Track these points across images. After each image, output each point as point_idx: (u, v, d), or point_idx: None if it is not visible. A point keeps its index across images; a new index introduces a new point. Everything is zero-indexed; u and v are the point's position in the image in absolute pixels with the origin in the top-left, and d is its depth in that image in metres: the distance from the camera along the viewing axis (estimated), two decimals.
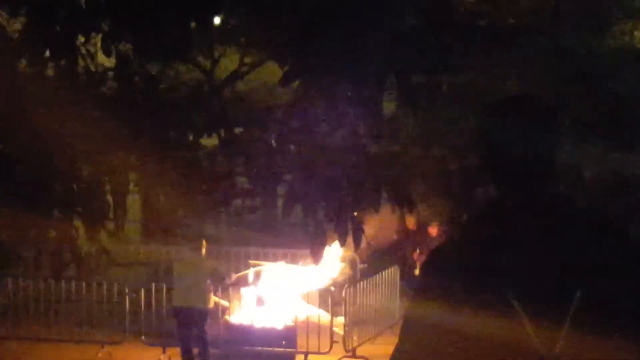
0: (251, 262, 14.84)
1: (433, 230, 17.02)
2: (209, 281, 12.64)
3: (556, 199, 2.99)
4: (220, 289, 13.46)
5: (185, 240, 13.67)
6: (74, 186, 15.35)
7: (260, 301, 13.66)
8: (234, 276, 13.97)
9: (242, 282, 14.11)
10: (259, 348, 13.24)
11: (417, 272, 15.57)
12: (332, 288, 14.17)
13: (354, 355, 13.09)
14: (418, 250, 16.86)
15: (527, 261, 2.88)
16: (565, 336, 2.85)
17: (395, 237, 17.32)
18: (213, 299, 12.98)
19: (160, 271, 15.46)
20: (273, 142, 15.75)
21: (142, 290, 13.57)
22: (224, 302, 13.65)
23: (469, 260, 2.95)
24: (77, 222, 17.59)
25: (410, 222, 16.90)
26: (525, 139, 2.98)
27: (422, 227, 17.77)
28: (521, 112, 3.04)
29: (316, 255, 13.22)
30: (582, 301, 2.85)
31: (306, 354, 12.99)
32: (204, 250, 12.87)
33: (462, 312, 2.90)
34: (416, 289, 3.15)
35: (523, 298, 2.86)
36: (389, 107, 17.96)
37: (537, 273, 2.87)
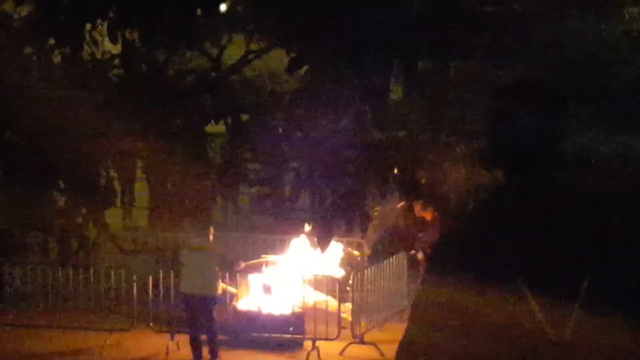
0: (263, 256, 14.85)
1: (427, 215, 16.90)
2: (217, 268, 12.65)
3: (564, 184, 2.99)
4: (228, 276, 13.48)
5: (193, 227, 13.69)
6: (81, 173, 15.40)
7: (267, 288, 13.68)
8: (243, 264, 13.98)
9: (251, 269, 14.12)
10: (267, 334, 13.26)
11: (420, 257, 15.53)
12: (341, 274, 14.19)
13: (361, 342, 13.10)
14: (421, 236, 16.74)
15: (536, 246, 2.89)
16: (575, 320, 2.86)
17: (403, 224, 17.29)
18: (221, 285, 12.99)
19: (168, 258, 15.48)
20: (280, 128, 15.77)
21: (151, 277, 13.59)
22: (232, 289, 13.67)
23: (477, 245, 2.96)
24: (84, 209, 17.68)
25: (418, 209, 16.82)
26: (533, 123, 2.98)
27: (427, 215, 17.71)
28: (529, 97, 3.03)
29: (323, 242, 13.23)
30: (591, 285, 2.85)
31: (314, 340, 13.00)
32: (211, 237, 12.88)
33: (471, 297, 2.90)
34: (425, 275, 3.15)
35: (532, 283, 2.86)
36: (395, 93, 17.97)
37: (546, 258, 2.87)
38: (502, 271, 2.88)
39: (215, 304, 12.72)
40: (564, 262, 2.87)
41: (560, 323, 2.85)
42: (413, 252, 15.99)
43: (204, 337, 12.70)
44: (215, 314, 12.68)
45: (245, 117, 16.60)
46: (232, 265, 13.47)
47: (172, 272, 13.54)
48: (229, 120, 16.59)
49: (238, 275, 13.79)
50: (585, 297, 2.84)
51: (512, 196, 3.02)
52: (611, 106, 16.56)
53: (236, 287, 13.76)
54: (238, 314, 13.60)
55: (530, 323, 2.86)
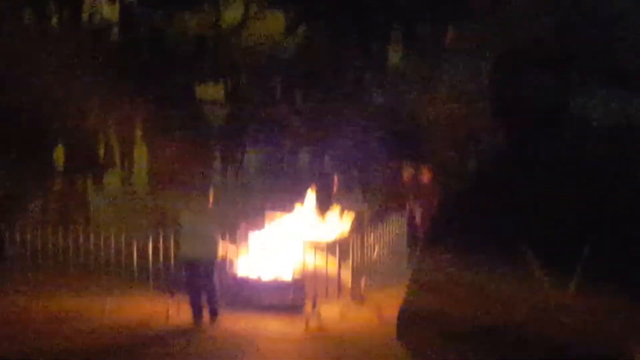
0: (267, 212, 14.84)
1: (425, 177, 16.89)
2: (216, 230, 12.66)
3: (568, 146, 2.98)
4: (228, 239, 13.49)
5: (192, 190, 13.69)
6: (80, 136, 15.37)
7: (268, 251, 13.70)
8: (243, 226, 14.01)
9: (251, 232, 14.13)
10: (268, 297, 13.30)
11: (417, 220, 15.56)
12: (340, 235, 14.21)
13: (361, 304, 13.14)
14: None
15: (538, 210, 2.88)
16: (577, 284, 2.86)
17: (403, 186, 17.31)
18: (221, 249, 13.01)
19: (168, 220, 15.49)
20: (278, 91, 15.69)
21: (150, 239, 13.61)
22: (233, 252, 13.69)
23: (480, 208, 2.95)
24: (84, 172, 17.65)
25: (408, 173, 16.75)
26: (536, 86, 2.97)
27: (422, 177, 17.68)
28: (533, 59, 3.02)
29: (323, 205, 13.25)
30: (594, 248, 2.85)
31: (314, 302, 13.04)
32: (211, 199, 12.88)
33: (474, 259, 2.90)
34: (426, 237, 3.15)
35: (535, 246, 2.86)
36: (395, 56, 17.93)
37: (548, 221, 2.87)
38: (505, 233, 2.88)
39: (215, 266, 12.75)
40: (566, 225, 2.86)
41: (562, 286, 2.85)
42: (411, 211, 16.02)
43: (204, 299, 12.75)
44: (215, 277, 12.71)
45: (243, 79, 16.56)
46: (231, 228, 13.49)
47: (172, 235, 13.57)
48: (228, 83, 16.54)
49: (238, 237, 13.81)
50: (587, 260, 2.84)
51: (514, 159, 3.01)
52: (612, 68, 16.51)
53: (236, 249, 13.77)
54: (238, 276, 13.63)
55: (532, 285, 2.86)
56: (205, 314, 12.74)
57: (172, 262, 13.42)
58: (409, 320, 3.17)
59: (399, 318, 3.23)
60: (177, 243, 13.21)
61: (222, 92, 17.11)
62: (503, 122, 3.05)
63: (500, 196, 2.92)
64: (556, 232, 2.86)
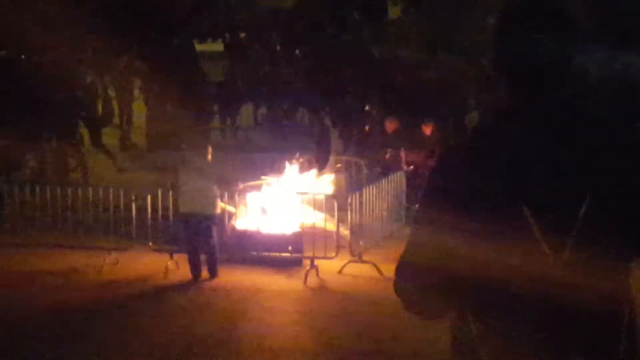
0: (262, 177, 14.82)
1: (427, 129, 16.86)
2: (215, 187, 12.65)
3: (568, 103, 2.96)
4: (227, 195, 13.49)
5: (191, 147, 13.67)
6: (79, 91, 15.32)
7: (266, 207, 13.70)
8: (242, 185, 14.00)
9: (250, 189, 14.13)
10: (266, 253, 13.33)
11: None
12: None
13: (360, 260, 13.16)
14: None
15: (537, 166, 2.86)
16: (574, 242, 2.84)
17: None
18: (220, 205, 13.01)
19: (167, 177, 15.48)
20: (277, 46, 15.60)
21: (149, 197, 13.60)
22: (231, 208, 13.69)
23: (479, 164, 2.93)
24: (83, 128, 17.66)
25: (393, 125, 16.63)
26: (540, 42, 2.94)
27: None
28: (537, 15, 2.98)
29: (322, 161, 13.22)
30: (591, 205, 2.83)
31: (312, 259, 13.06)
32: (209, 156, 12.86)
33: (471, 216, 2.89)
34: (425, 193, 3.13)
35: (532, 203, 2.84)
36: (394, 12, 17.81)
37: (547, 178, 2.85)
38: (503, 190, 2.86)
39: (214, 223, 12.76)
40: (565, 181, 2.85)
41: (560, 244, 2.84)
42: (408, 168, 16.01)
43: (203, 256, 12.77)
44: (214, 233, 12.73)
45: (242, 35, 16.47)
46: (229, 185, 13.49)
47: (170, 191, 13.56)
48: (227, 38, 16.45)
49: (237, 194, 13.81)
50: (585, 217, 2.83)
51: (516, 115, 2.99)
52: (611, 25, 16.42)
53: (235, 206, 13.78)
54: (237, 233, 13.65)
55: (529, 243, 2.84)
56: (204, 270, 12.77)
57: (171, 219, 13.41)
58: (406, 272, 3.16)
59: (396, 273, 3.23)
60: (175, 200, 13.21)
61: (222, 48, 17.03)
62: (507, 78, 3.03)
63: (502, 153, 2.90)
64: (554, 192, 2.84)
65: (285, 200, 13.76)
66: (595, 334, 2.87)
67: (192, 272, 12.72)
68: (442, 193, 3.00)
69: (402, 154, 16.50)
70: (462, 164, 2.98)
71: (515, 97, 3.01)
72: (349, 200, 13.26)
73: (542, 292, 2.84)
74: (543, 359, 2.89)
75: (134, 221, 13.54)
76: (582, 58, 3.10)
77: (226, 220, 13.63)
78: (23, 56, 15.07)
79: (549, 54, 2.94)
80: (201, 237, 12.64)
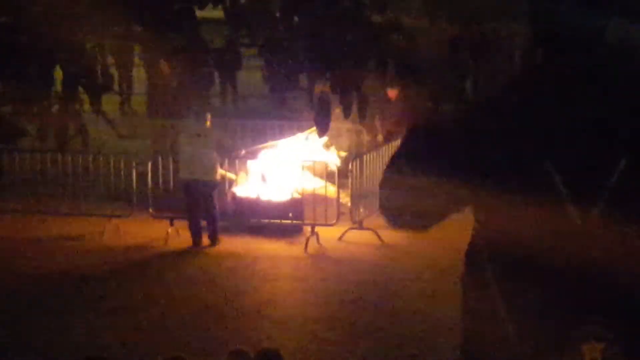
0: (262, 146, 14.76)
1: (392, 94, 16.55)
2: (215, 153, 12.63)
3: (604, 65, 2.92)
4: (227, 162, 13.46)
5: (190, 113, 13.64)
6: (78, 58, 15.24)
7: (267, 174, 13.65)
8: (243, 152, 13.96)
9: (250, 155, 14.08)
10: (267, 220, 13.32)
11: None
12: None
13: (360, 227, 13.15)
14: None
15: (569, 127, 2.83)
16: (603, 206, 2.82)
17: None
18: (220, 171, 13.00)
19: (167, 144, 15.45)
20: (277, 12, 15.51)
21: (150, 164, 13.57)
22: (231, 175, 13.66)
23: (506, 123, 2.90)
24: (82, 95, 17.57)
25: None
26: (576, 5, 2.91)
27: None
28: None
29: (321, 127, 13.19)
30: (625, 170, 2.80)
31: (313, 226, 13.05)
32: (208, 123, 12.83)
33: (498, 176, 2.87)
34: (454, 154, 3.06)
35: (561, 165, 2.81)
36: None
37: (579, 140, 2.82)
38: (530, 150, 2.84)
39: (214, 189, 12.75)
40: (597, 145, 2.82)
41: (587, 207, 2.81)
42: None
43: (203, 222, 12.77)
44: (215, 199, 12.71)
45: (243, 0, 16.36)
46: (230, 151, 13.46)
47: (170, 158, 13.53)
48: (227, 4, 16.33)
49: (237, 161, 13.78)
50: (618, 181, 2.80)
51: (548, 74, 2.95)
52: None
53: (235, 173, 13.75)
54: (237, 199, 13.63)
55: (556, 205, 2.82)
56: (205, 237, 12.77)
57: (172, 186, 13.37)
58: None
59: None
60: (176, 166, 13.19)
61: (222, 14, 16.90)
62: (542, 38, 2.99)
63: (531, 112, 2.87)
64: (587, 154, 2.81)
65: (285, 166, 13.71)
66: (617, 297, 2.85)
67: (192, 239, 12.72)
68: (467, 148, 2.97)
69: (377, 122, 16.32)
70: (489, 122, 2.95)
71: (550, 57, 2.97)
72: (350, 167, 13.22)
73: (567, 253, 2.83)
74: (566, 320, 2.88)
75: (134, 188, 13.52)
76: (619, 29, 3.06)
77: (227, 187, 13.60)
78: (23, 24, 14.99)
79: (582, 23, 2.92)
80: (201, 203, 12.63)
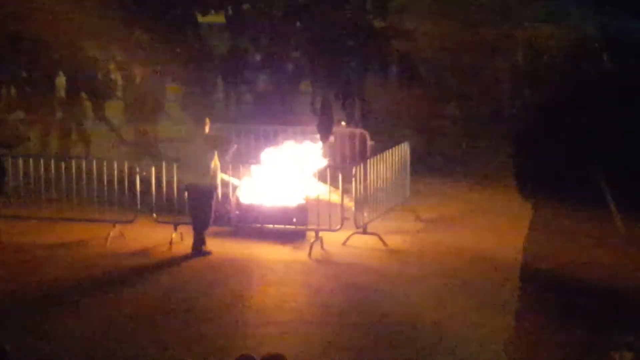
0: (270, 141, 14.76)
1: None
2: (214, 158, 12.65)
3: None
4: (231, 167, 13.48)
5: (190, 119, 13.69)
6: (81, 64, 15.24)
7: (272, 179, 13.63)
8: (236, 146, 13.92)
9: (254, 160, 14.08)
10: (271, 225, 13.32)
11: None
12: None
13: (364, 232, 13.15)
14: None
15: (620, 144, 2.84)
16: None
17: None
18: (223, 176, 13.04)
19: (169, 149, 15.48)
20: (279, 18, 15.50)
21: (153, 169, 13.57)
22: (234, 180, 13.67)
23: (561, 132, 2.92)
24: (85, 101, 17.54)
25: None
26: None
27: None
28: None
29: (324, 132, 13.18)
30: None
31: (317, 231, 13.05)
32: (207, 128, 12.84)
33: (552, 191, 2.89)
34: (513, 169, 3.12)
35: (613, 177, 2.82)
36: None
37: (629, 147, 2.83)
38: (586, 164, 2.85)
39: (215, 193, 12.74)
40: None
41: (634, 224, 2.82)
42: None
43: (206, 226, 12.76)
44: (212, 204, 12.70)
45: (245, 7, 16.38)
46: (227, 147, 13.41)
47: (174, 163, 13.54)
48: (229, 10, 16.36)
49: (241, 164, 13.77)
50: None
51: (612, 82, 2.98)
52: None
53: (239, 177, 13.74)
54: (242, 205, 13.62)
55: (603, 215, 2.84)
56: (210, 240, 12.78)
57: (176, 192, 13.37)
58: None
59: None
60: (179, 173, 13.20)
61: (224, 19, 16.94)
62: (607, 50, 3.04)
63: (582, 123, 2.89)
64: (630, 163, 2.82)
65: (289, 171, 13.71)
66: None
67: (193, 243, 12.73)
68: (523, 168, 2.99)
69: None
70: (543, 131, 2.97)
71: (613, 69, 3.01)
72: (354, 172, 13.22)
73: (606, 263, 2.84)
74: (597, 328, 2.90)
75: (138, 193, 13.52)
76: None
77: (231, 192, 13.61)
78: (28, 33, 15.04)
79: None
80: (202, 206, 12.66)
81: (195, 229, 12.72)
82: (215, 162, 12.72)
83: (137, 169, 13.65)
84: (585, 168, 2.90)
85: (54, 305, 10.75)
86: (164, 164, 13.71)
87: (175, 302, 10.87)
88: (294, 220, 13.35)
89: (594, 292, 2.94)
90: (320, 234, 13.00)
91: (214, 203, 12.75)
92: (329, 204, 13.34)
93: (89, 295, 11.04)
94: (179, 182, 13.22)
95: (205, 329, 9.93)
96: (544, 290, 3.06)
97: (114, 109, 19.53)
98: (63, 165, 14.11)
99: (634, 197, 2.84)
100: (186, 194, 12.81)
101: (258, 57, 19.98)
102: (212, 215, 12.76)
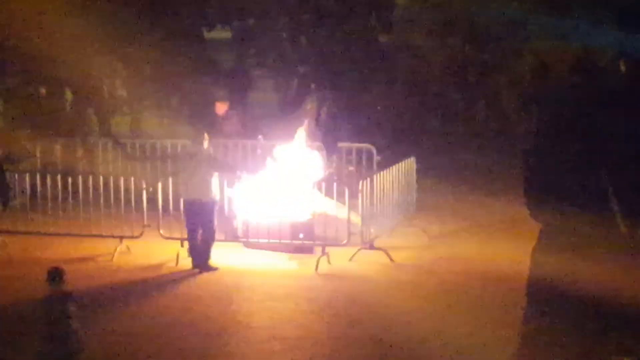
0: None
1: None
2: (213, 174, 12.65)
3: None
4: (232, 183, 13.48)
5: (189, 134, 13.70)
6: (87, 79, 15.22)
7: (277, 193, 13.61)
8: (243, 174, 13.93)
9: (260, 173, 14.07)
10: (278, 240, 13.30)
11: None
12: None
13: (371, 247, 13.13)
14: None
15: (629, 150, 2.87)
16: None
17: None
18: (229, 191, 13.07)
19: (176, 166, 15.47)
20: (285, 33, 15.53)
21: (159, 184, 13.57)
22: (237, 196, 13.67)
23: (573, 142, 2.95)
24: (91, 115, 17.53)
25: None
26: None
27: None
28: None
29: (330, 146, 13.15)
30: None
31: (324, 246, 13.03)
32: (206, 144, 12.84)
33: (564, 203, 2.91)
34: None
35: (619, 184, 2.86)
36: None
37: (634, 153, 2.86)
38: (595, 179, 2.87)
39: (214, 209, 12.73)
40: None
41: (632, 222, 2.85)
42: None
43: (209, 241, 12.75)
44: (214, 220, 12.69)
45: (251, 22, 16.43)
46: (228, 167, 13.40)
47: (179, 180, 13.53)
48: (235, 25, 16.41)
49: (245, 178, 13.75)
50: None
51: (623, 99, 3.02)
52: None
53: (244, 190, 13.73)
54: (248, 220, 13.61)
55: (612, 230, 2.87)
56: (216, 255, 12.77)
57: (182, 208, 13.36)
58: None
59: None
60: (182, 188, 13.19)
61: (230, 34, 16.99)
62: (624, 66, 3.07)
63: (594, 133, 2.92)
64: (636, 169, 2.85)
65: (296, 186, 13.69)
66: None
67: (193, 260, 12.73)
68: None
69: None
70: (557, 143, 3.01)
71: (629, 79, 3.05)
72: (360, 187, 13.20)
73: (610, 267, 2.88)
74: (598, 333, 2.91)
75: (144, 209, 13.51)
76: None
77: (236, 207, 13.61)
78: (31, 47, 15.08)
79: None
80: (200, 223, 12.65)
81: (191, 246, 12.74)
82: (215, 179, 12.69)
83: (144, 184, 13.66)
84: (593, 182, 2.92)
85: (58, 323, 10.71)
86: (170, 179, 13.71)
87: (182, 317, 10.84)
88: (301, 235, 13.34)
89: (597, 301, 2.97)
90: (327, 249, 12.99)
91: (215, 218, 12.76)
92: (336, 219, 13.33)
93: (95, 312, 11.01)
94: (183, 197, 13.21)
95: (210, 344, 9.91)
96: (550, 303, 3.08)
97: (119, 124, 19.58)
98: (69, 180, 14.12)
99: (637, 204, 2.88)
100: (184, 210, 12.83)
101: (264, 72, 20.01)
102: (215, 230, 12.76)
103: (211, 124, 15.18)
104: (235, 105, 16.56)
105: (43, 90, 16.40)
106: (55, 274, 8.48)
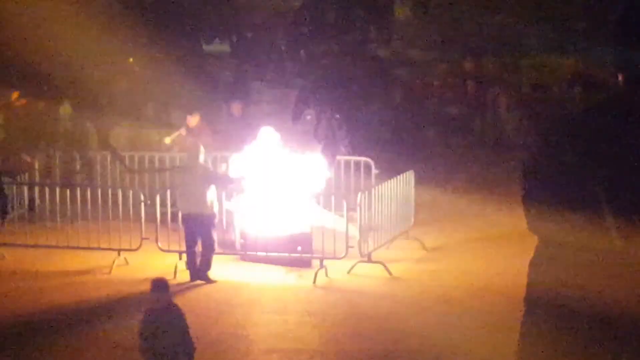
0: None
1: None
2: (209, 187, 12.67)
3: None
4: (230, 195, 13.50)
5: (184, 147, 13.73)
6: (85, 92, 15.26)
7: (276, 206, 13.62)
8: (224, 166, 13.94)
9: (257, 186, 14.07)
10: (276, 253, 13.31)
11: None
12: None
13: (369, 260, 13.14)
14: None
15: (622, 156, 2.88)
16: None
17: None
18: (227, 204, 13.08)
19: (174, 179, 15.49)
20: (283, 47, 15.58)
21: (158, 197, 13.58)
22: (233, 208, 13.69)
23: (574, 145, 2.95)
24: (91, 129, 17.54)
25: None
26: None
27: None
28: None
29: (329, 160, 13.16)
30: None
31: (322, 259, 13.04)
32: (202, 157, 12.86)
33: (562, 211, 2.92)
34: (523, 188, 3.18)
35: (610, 189, 2.85)
36: (401, 12, 17.74)
37: (631, 167, 2.87)
38: (585, 179, 2.88)
39: (212, 221, 12.74)
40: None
41: (627, 234, 2.85)
42: None
43: (205, 254, 12.75)
44: (212, 233, 12.70)
45: (249, 35, 16.44)
46: (223, 180, 13.40)
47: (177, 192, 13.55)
48: (233, 39, 16.43)
49: (244, 194, 13.77)
50: None
51: (621, 107, 3.03)
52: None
53: (242, 203, 13.74)
54: (246, 233, 13.63)
55: (600, 230, 2.87)
56: (215, 268, 12.78)
57: (180, 219, 13.38)
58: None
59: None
60: (180, 201, 13.20)
61: (228, 48, 16.99)
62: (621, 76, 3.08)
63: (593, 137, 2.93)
64: (632, 179, 2.85)
65: (292, 198, 13.70)
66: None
67: (190, 273, 12.74)
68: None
69: None
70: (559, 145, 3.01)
71: (627, 93, 3.04)
72: (358, 200, 13.22)
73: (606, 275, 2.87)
74: (603, 344, 2.91)
75: (142, 222, 13.52)
76: None
77: (234, 220, 13.63)
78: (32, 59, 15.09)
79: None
80: (200, 235, 12.67)
81: (189, 259, 12.76)
82: (211, 192, 12.70)
83: (142, 197, 13.67)
84: (592, 195, 2.93)
85: (57, 333, 10.73)
86: (168, 192, 13.73)
87: (180, 330, 10.82)
88: (299, 248, 13.35)
89: (594, 313, 2.97)
90: (325, 262, 13.00)
91: (214, 231, 12.77)
92: (334, 232, 13.33)
93: (93, 324, 11.01)
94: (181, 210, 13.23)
95: (209, 357, 9.90)
96: (549, 315, 3.08)
97: (117, 137, 19.58)
98: (68, 192, 14.14)
99: (630, 212, 2.88)
100: (182, 222, 12.84)
101: (262, 85, 20.02)
102: (215, 241, 12.78)
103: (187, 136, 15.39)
104: (206, 117, 16.73)
105: (42, 103, 16.40)
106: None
